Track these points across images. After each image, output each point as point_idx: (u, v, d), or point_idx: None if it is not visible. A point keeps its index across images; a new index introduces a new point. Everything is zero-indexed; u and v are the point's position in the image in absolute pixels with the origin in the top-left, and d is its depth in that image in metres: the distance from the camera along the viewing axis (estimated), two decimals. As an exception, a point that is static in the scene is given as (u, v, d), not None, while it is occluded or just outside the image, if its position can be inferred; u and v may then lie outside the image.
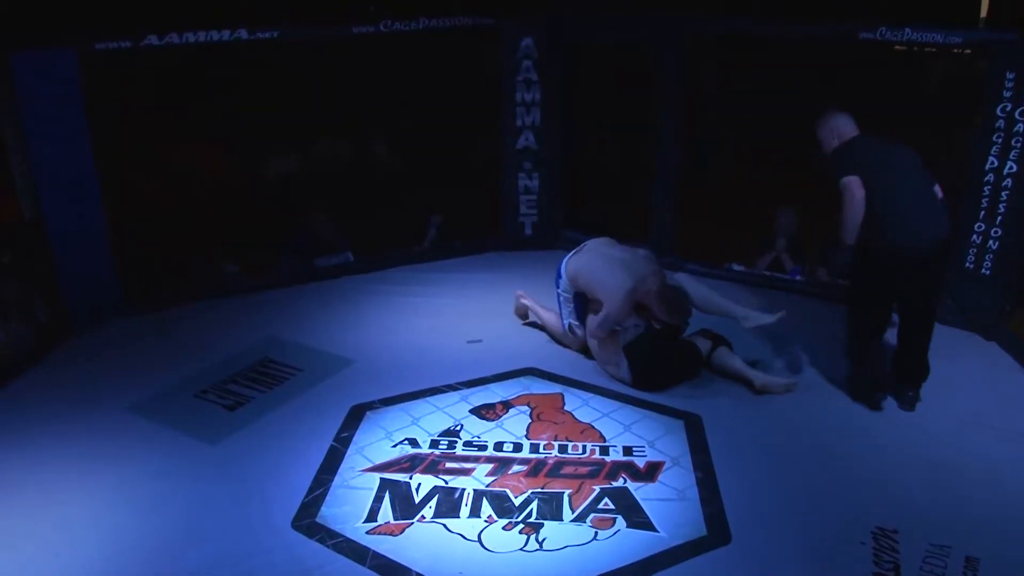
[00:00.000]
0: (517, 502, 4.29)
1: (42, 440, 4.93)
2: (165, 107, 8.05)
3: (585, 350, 5.77)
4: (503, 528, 4.12)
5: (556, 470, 4.55)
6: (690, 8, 7.75)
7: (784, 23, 6.76)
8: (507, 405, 5.21)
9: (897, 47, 6.71)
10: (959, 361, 5.69)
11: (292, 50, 7.66)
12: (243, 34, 6.38)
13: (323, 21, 7.10)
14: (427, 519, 4.19)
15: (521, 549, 3.98)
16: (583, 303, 5.64)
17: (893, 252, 4.75)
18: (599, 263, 5.53)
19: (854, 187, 4.68)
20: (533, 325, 6.21)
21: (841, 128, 4.98)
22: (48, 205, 6.00)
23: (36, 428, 5.05)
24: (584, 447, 4.75)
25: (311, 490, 4.42)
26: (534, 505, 4.27)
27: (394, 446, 4.80)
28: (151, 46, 6.11)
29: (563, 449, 4.74)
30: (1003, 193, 5.69)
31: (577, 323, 5.70)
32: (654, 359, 5.37)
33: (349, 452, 4.75)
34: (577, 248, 5.78)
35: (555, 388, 5.42)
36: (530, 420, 5.04)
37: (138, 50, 6.10)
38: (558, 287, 5.75)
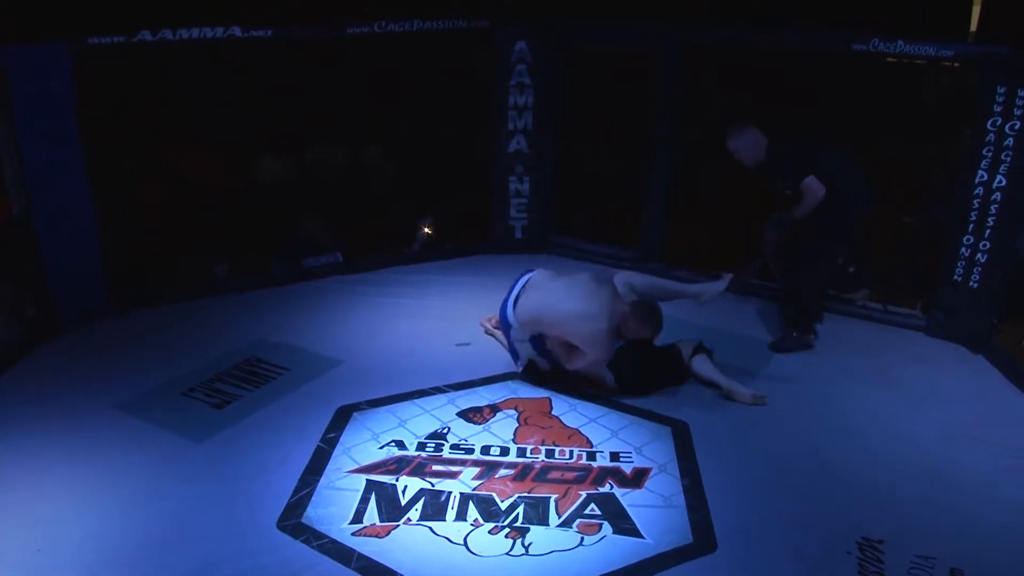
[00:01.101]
0: (503, 506, 4.29)
1: (29, 436, 4.90)
2: (158, 107, 8.03)
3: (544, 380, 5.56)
4: (489, 532, 4.11)
5: (543, 475, 4.55)
6: (686, 15, 7.77)
7: (778, 32, 6.77)
8: (494, 409, 5.20)
9: (889, 59, 6.74)
10: (946, 373, 5.72)
11: (286, 51, 7.66)
12: (236, 32, 6.35)
13: (317, 21, 7.07)
14: (413, 522, 4.18)
15: (507, 554, 3.97)
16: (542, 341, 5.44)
17: (854, 217, 5.92)
18: (560, 304, 5.22)
19: (815, 187, 5.65)
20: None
21: (759, 138, 5.89)
22: (38, 203, 5.95)
23: (23, 424, 5.01)
24: (571, 452, 4.75)
25: (297, 490, 4.40)
26: (520, 509, 4.26)
27: (381, 448, 4.78)
28: (144, 42, 6.08)
29: (550, 454, 4.73)
30: (992, 207, 5.70)
31: (539, 357, 5.48)
32: (639, 367, 5.36)
33: (335, 453, 4.73)
34: (516, 288, 5.50)
35: (543, 392, 5.40)
36: (517, 424, 5.04)
37: (131, 46, 6.07)
38: (508, 335, 5.53)
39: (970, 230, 5.83)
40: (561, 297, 5.24)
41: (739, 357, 5.72)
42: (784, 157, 5.84)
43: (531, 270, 5.64)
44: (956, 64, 7.93)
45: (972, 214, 5.79)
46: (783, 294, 6.46)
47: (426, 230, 7.75)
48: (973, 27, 11.68)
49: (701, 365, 5.44)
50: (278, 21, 6.71)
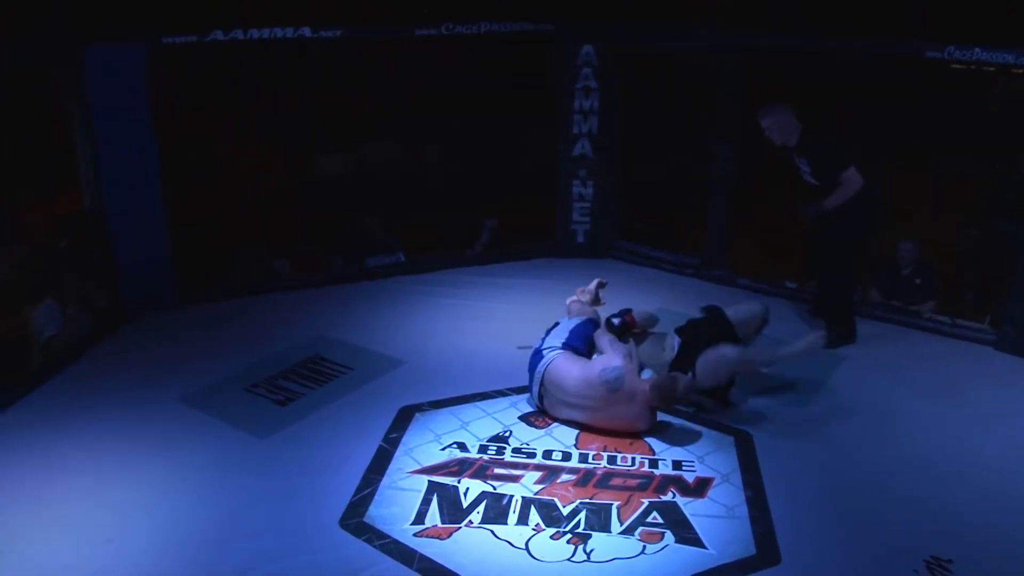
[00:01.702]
0: (565, 511, 4.28)
1: (98, 425, 5.02)
2: (222, 105, 8.14)
3: None
4: (551, 537, 4.10)
5: (605, 481, 4.52)
6: (750, 23, 7.69)
7: (848, 39, 6.66)
8: (555, 414, 5.19)
9: (955, 65, 6.60)
10: (1017, 389, 5.60)
11: (351, 51, 7.73)
12: (306, 32, 6.44)
13: (386, 21, 7.12)
14: (475, 524, 4.19)
15: (569, 559, 3.96)
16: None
17: (878, 216, 5.97)
18: (589, 410, 4.95)
19: (855, 178, 5.69)
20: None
21: (792, 122, 5.84)
22: (110, 196, 6.09)
23: (92, 413, 5.14)
24: (633, 459, 4.72)
25: (359, 489, 4.43)
26: (582, 515, 4.25)
27: (443, 449, 4.80)
28: (216, 41, 6.18)
29: (612, 460, 4.71)
30: (1072, 218, 5.58)
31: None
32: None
33: (398, 453, 4.76)
34: (538, 372, 5.11)
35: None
36: (579, 429, 5.01)
37: (203, 45, 6.18)
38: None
39: (1047, 242, 5.70)
40: (597, 411, 4.93)
41: (803, 367, 5.64)
42: (824, 146, 5.83)
43: (542, 352, 5.18)
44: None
45: (1050, 226, 5.66)
46: (819, 293, 6.45)
47: (490, 232, 7.77)
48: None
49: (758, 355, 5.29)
50: (347, 21, 6.76)
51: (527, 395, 5.35)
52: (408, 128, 8.85)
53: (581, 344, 5.24)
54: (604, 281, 5.98)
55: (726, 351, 5.07)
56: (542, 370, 5.09)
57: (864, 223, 5.87)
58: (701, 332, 5.33)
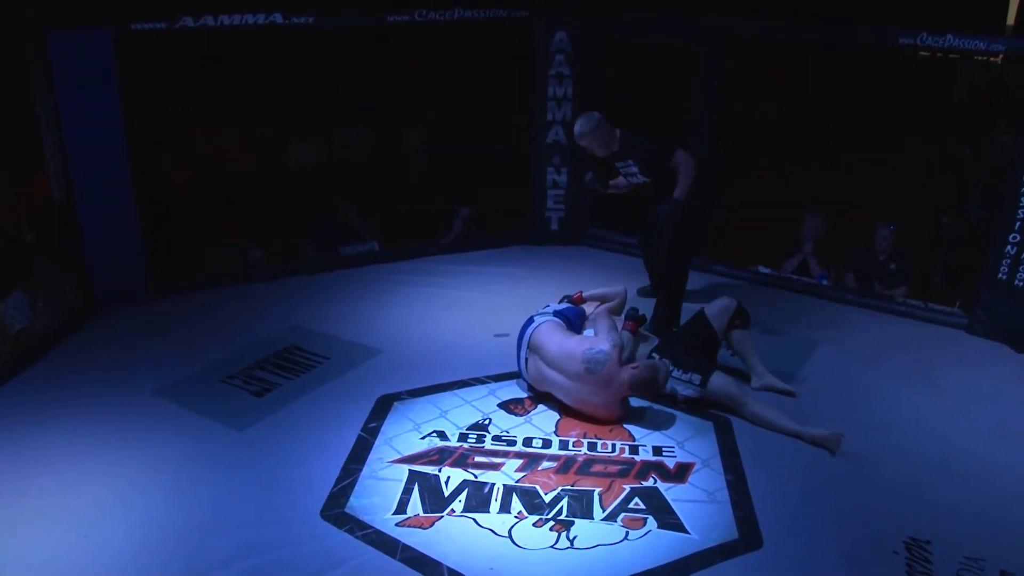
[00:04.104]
0: (547, 499, 4.27)
1: (72, 419, 4.94)
2: (192, 93, 8.04)
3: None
4: (533, 524, 4.10)
5: (586, 468, 4.52)
6: (728, 9, 7.71)
7: (822, 26, 6.69)
8: (535, 400, 5.17)
9: (922, 52, 6.65)
10: (989, 372, 5.66)
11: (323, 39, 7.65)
12: (278, 18, 6.36)
13: (358, 8, 7.06)
14: (457, 513, 4.17)
15: (552, 547, 3.95)
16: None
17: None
18: (571, 392, 4.95)
19: (687, 156, 5.58)
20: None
21: (611, 128, 5.70)
22: (79, 186, 5.99)
23: (66, 407, 5.07)
24: (613, 445, 4.72)
25: (339, 480, 4.40)
26: (564, 502, 4.24)
27: (422, 438, 4.78)
28: (186, 27, 6.10)
29: (592, 447, 4.71)
30: (1040, 205, 5.63)
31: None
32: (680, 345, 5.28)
33: (377, 443, 4.73)
34: (523, 345, 5.19)
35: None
36: (559, 416, 5.01)
37: (172, 32, 6.09)
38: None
39: (1016, 228, 5.75)
40: (570, 387, 4.93)
41: (780, 354, 5.67)
42: (646, 140, 5.75)
43: (533, 319, 5.25)
44: (998, 59, 7.85)
45: (1019, 212, 5.71)
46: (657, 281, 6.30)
47: (464, 221, 7.74)
48: (1011, 20, 11.51)
49: (765, 410, 4.99)
50: (319, 8, 6.69)
51: (506, 383, 5.35)
52: (381, 116, 8.78)
53: (575, 319, 5.26)
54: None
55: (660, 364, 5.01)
56: (530, 333, 5.12)
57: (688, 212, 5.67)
58: (682, 332, 5.44)
